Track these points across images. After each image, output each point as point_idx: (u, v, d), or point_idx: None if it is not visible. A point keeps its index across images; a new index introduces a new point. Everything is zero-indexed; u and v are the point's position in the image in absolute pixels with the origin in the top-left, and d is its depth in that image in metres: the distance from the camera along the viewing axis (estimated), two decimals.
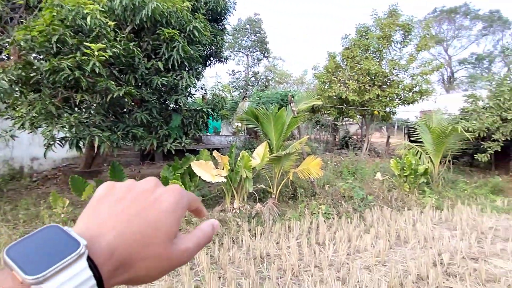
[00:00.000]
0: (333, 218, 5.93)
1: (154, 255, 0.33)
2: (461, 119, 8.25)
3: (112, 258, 0.30)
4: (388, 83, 10.91)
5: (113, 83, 4.17)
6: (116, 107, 5.13)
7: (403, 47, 11.46)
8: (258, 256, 4.36)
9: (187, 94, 5.69)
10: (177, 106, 5.80)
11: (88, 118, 4.31)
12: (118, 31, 4.63)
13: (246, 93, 20.94)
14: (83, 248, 0.28)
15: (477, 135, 7.69)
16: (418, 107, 11.98)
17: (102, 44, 3.86)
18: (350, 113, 11.25)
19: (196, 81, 5.72)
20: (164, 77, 5.02)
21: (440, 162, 8.29)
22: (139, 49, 4.77)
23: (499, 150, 7.65)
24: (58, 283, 0.26)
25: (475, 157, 8.07)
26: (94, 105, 4.79)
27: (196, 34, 5.42)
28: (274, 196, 6.65)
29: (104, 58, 3.92)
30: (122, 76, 4.94)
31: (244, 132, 13.94)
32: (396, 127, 20.68)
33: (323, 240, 4.93)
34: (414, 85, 11.08)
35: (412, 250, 4.72)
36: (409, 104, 11.52)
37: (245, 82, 25.42)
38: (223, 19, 8.69)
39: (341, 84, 10.64)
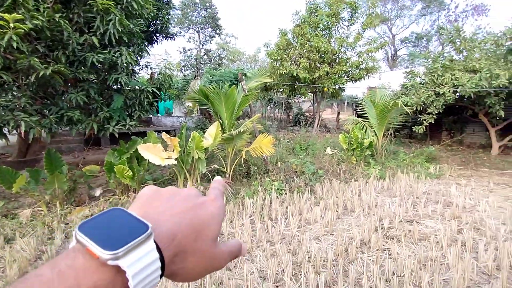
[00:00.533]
0: (286, 194, 6.11)
1: (202, 251, 0.34)
2: (402, 94, 8.83)
3: (172, 244, 0.31)
4: (337, 61, 11.23)
5: (37, 60, 3.70)
6: (46, 88, 4.60)
7: (351, 25, 11.78)
8: None
9: (129, 72, 5.28)
10: (119, 86, 5.38)
11: (11, 101, 3.81)
12: (40, 0, 4.07)
13: (197, 72, 20.23)
14: (151, 229, 0.29)
15: (414, 108, 8.32)
16: (365, 83, 12.58)
17: (19, 14, 3.36)
18: (302, 90, 11.45)
19: (138, 58, 5.31)
20: (100, 54, 4.58)
21: (384, 135, 8.87)
22: (68, 22, 4.25)
23: (433, 122, 8.38)
24: (132, 261, 0.27)
25: (413, 129, 8.76)
26: (19, 86, 4.24)
27: (135, 6, 4.98)
28: (228, 175, 6.64)
29: (24, 31, 3.43)
30: (50, 53, 4.40)
31: (197, 112, 13.58)
32: (346, 103, 21.63)
33: (275, 215, 5.06)
34: (360, 63, 11.54)
35: (357, 218, 5.06)
36: (356, 81, 12.03)
37: (196, 60, 24.52)
38: None
39: (292, 62, 10.72)
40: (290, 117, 18.90)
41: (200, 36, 25.24)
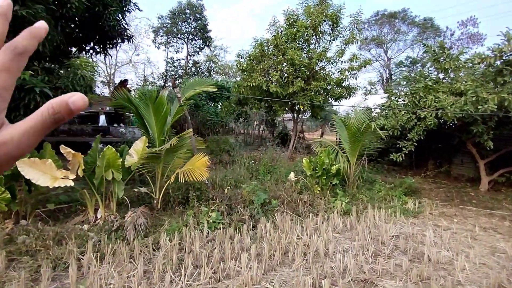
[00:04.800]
0: (222, 229, 4.90)
1: None
2: (381, 116, 7.76)
3: None
4: (314, 77, 10.24)
5: None
6: None
7: (332, 39, 10.89)
8: None
9: None
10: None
11: None
12: None
13: (166, 81, 19.26)
14: None
15: (390, 133, 7.23)
16: (351, 102, 11.57)
17: None
18: (275, 106, 10.40)
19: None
20: None
21: (358, 161, 7.75)
22: None
23: (413, 150, 7.28)
24: None
25: (390, 157, 7.64)
26: None
27: None
28: (156, 201, 5.43)
29: None
30: None
31: None
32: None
33: (189, 262, 3.83)
34: (341, 80, 10.57)
35: (295, 271, 3.84)
36: (337, 99, 11.02)
37: (183, 71, 23.68)
38: None
39: (264, 75, 9.71)
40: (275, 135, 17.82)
41: (188, 47, 24.53)
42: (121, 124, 11.75)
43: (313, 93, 9.86)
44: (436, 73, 8.11)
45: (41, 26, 0.34)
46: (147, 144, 5.17)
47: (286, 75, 10.10)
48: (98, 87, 23.25)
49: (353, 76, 10.78)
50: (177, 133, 5.70)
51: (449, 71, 7.25)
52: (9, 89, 0.32)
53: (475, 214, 6.77)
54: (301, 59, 9.63)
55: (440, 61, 7.27)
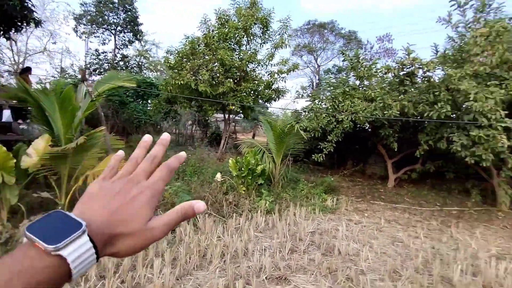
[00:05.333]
0: None
1: (131, 235, 0.43)
2: (303, 118, 8.17)
3: (102, 237, 0.41)
4: (245, 78, 10.35)
5: None
6: None
7: (263, 42, 11.16)
8: None
9: None
10: None
11: None
12: None
13: (85, 74, 17.68)
14: (85, 227, 0.38)
15: (312, 134, 7.68)
16: (280, 104, 11.95)
17: None
18: (205, 106, 10.22)
19: None
20: None
21: (283, 161, 8.02)
22: None
23: (332, 150, 7.83)
24: (71, 250, 0.37)
25: (313, 157, 8.10)
26: None
27: None
28: (61, 207, 4.82)
29: None
30: None
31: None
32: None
33: (93, 273, 3.46)
34: (271, 82, 10.88)
35: (212, 273, 3.75)
36: (266, 101, 11.30)
37: (110, 64, 21.87)
38: None
39: (194, 73, 9.46)
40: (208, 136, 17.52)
41: (116, 39, 22.73)
42: (22, 120, 10.26)
43: (243, 94, 9.94)
44: (354, 80, 8.86)
45: (183, 155, 0.54)
46: (50, 143, 4.57)
47: (216, 74, 9.99)
48: (3, 77, 20.15)
49: (282, 79, 11.19)
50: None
51: (363, 79, 7.99)
52: (161, 193, 0.49)
53: (383, 208, 7.56)
54: (232, 59, 9.63)
55: (356, 69, 7.97)
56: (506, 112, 5.88)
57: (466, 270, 4.23)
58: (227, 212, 6.06)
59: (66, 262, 0.37)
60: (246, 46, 10.87)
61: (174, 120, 13.03)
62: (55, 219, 0.40)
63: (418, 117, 6.73)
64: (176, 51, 9.80)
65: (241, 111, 10.94)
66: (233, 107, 9.86)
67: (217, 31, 10.41)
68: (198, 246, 4.37)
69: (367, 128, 9.14)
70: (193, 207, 0.48)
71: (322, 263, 4.14)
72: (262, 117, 8.19)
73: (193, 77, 9.22)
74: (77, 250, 0.37)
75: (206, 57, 9.99)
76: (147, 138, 0.54)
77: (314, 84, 37.63)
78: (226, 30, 10.15)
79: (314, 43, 37.53)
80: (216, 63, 10.00)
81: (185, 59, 9.97)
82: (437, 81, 6.79)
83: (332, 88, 8.39)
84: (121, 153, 0.55)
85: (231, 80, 9.65)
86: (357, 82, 8.78)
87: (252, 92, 10.18)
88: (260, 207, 6.39)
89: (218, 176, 7.15)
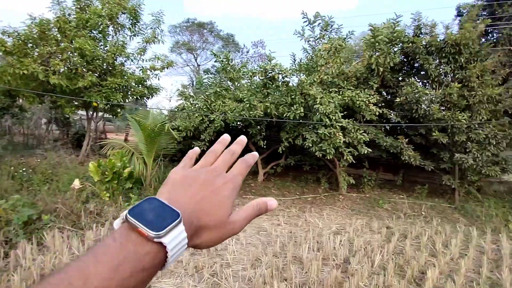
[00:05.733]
0: None
1: (216, 227, 0.44)
2: (176, 118, 7.99)
3: (191, 227, 0.40)
4: (112, 72, 9.36)
5: None
6: None
7: (134, 35, 10.35)
8: None
9: None
10: None
11: None
12: None
13: None
14: (181, 216, 0.39)
15: (185, 134, 7.63)
16: (154, 102, 11.28)
17: None
18: (60, 102, 8.74)
19: None
20: None
21: (155, 162, 7.64)
22: None
23: (205, 150, 7.94)
24: (170, 239, 0.37)
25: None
26: None
27: None
28: None
29: None
30: None
31: None
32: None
33: None
34: (143, 79, 10.20)
35: None
36: (138, 98, 10.55)
37: None
38: None
39: (42, 62, 7.93)
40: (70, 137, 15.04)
41: None
42: None
43: (110, 89, 8.97)
44: (226, 81, 9.22)
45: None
46: None
47: (75, 66, 8.66)
48: None
49: (155, 76, 10.67)
50: None
51: (234, 80, 8.42)
52: (240, 187, 0.51)
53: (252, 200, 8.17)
54: (94, 50, 8.53)
55: (227, 71, 8.32)
56: (342, 114, 7.25)
57: (313, 247, 5.00)
58: (86, 223, 5.35)
59: (164, 250, 0.37)
60: (112, 37, 9.84)
61: (16, 117, 10.64)
62: (153, 206, 0.40)
63: (279, 117, 7.56)
64: (17, 33, 7.97)
65: (108, 109, 9.85)
66: (97, 104, 8.77)
67: (75, 16, 9.04)
68: (42, 269, 3.68)
69: (240, 127, 9.67)
70: (267, 203, 0.50)
71: (189, 263, 4.12)
72: (130, 115, 7.58)
73: (42, 67, 7.71)
74: (175, 239, 0.38)
75: (61, 44, 8.54)
76: (227, 136, 0.58)
77: (194, 83, 37.60)
78: (86, 16, 8.92)
79: (194, 42, 37.42)
80: (76, 53, 8.68)
81: (30, 44, 8.25)
82: (294, 86, 7.78)
83: (204, 88, 8.50)
84: (197, 149, 0.57)
85: (93, 74, 8.53)
86: (230, 83, 9.18)
87: (120, 88, 9.29)
88: None
89: (76, 182, 6.22)
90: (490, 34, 14.63)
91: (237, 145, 0.56)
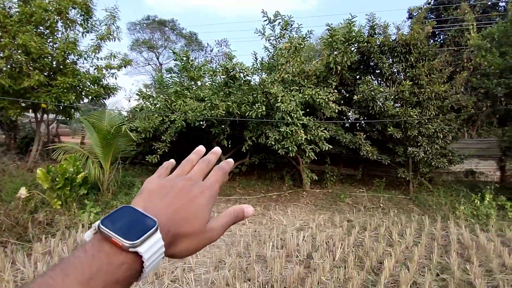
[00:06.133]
0: None
1: (193, 235, 0.42)
2: (135, 118, 7.65)
3: (167, 235, 0.39)
4: (62, 71, 8.74)
5: None
6: None
7: (86, 31, 9.74)
8: None
9: None
10: None
11: None
12: None
13: None
14: (157, 224, 0.37)
15: (143, 135, 7.33)
16: (111, 103, 10.70)
17: None
18: (3, 103, 8.00)
19: None
20: None
21: (114, 165, 7.26)
22: None
23: (167, 151, 7.69)
24: (147, 247, 0.35)
25: (146, 158, 7.72)
26: None
27: None
28: None
29: None
30: None
31: None
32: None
33: None
34: (97, 78, 9.65)
35: None
36: (93, 99, 9.97)
37: None
38: None
39: None
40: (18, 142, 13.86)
41: None
42: None
43: (60, 90, 8.36)
44: (188, 80, 8.99)
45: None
46: None
47: (20, 65, 7.97)
48: None
49: (112, 75, 10.14)
50: None
51: (195, 79, 8.23)
52: (217, 195, 0.49)
53: (217, 202, 8.06)
54: (41, 47, 7.89)
55: (187, 70, 8.11)
56: (303, 112, 7.38)
57: (277, 244, 5.03)
58: (34, 235, 4.94)
59: (140, 260, 0.35)
60: (62, 33, 9.19)
61: None
62: (127, 214, 0.39)
63: (242, 117, 7.52)
64: None
65: (59, 111, 9.20)
66: (46, 105, 8.15)
67: (18, 10, 8.31)
68: None
69: (203, 127, 9.49)
70: (244, 210, 0.50)
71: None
72: (82, 117, 7.14)
73: None
74: (152, 248, 0.36)
75: (1, 40, 7.81)
76: (202, 148, 0.57)
77: (156, 82, 36.41)
78: (30, 10, 8.23)
79: (155, 40, 36.22)
80: (19, 50, 7.97)
81: None
82: (256, 84, 7.78)
83: (164, 88, 8.21)
84: (173, 161, 0.56)
85: (42, 73, 7.92)
86: (192, 83, 8.97)
87: (73, 88, 8.71)
88: (82, 221, 5.54)
89: (22, 191, 5.73)
90: (437, 36, 15.78)
91: (212, 155, 0.55)
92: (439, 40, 15.00)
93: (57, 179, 5.80)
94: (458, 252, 4.87)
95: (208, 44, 38.23)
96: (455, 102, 7.75)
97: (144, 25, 36.42)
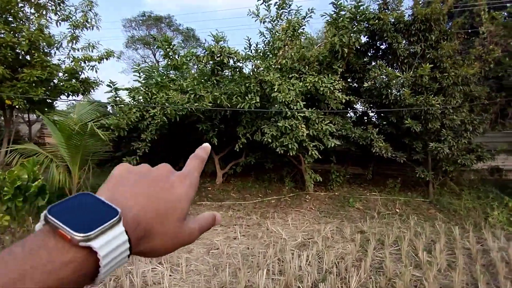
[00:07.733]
0: None
1: (168, 232, 0.36)
2: (109, 115, 6.60)
3: (137, 229, 0.32)
4: (30, 63, 7.71)
5: None
6: None
7: (60, 19, 8.72)
8: None
9: None
10: None
11: None
12: None
13: None
14: (120, 214, 0.30)
15: (116, 133, 6.26)
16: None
17: None
18: None
19: None
20: None
21: (83, 169, 6.23)
22: None
23: (147, 151, 6.64)
24: (103, 242, 0.28)
25: (124, 160, 6.66)
26: None
27: None
28: None
29: None
30: None
31: None
32: None
33: None
34: (75, 71, 8.63)
35: None
36: (72, 94, 8.94)
37: None
38: None
39: None
40: None
41: None
42: None
43: (27, 83, 7.33)
44: (171, 70, 7.91)
45: (207, 146, 0.48)
46: None
47: None
48: None
49: (92, 68, 9.12)
50: None
51: (179, 67, 7.15)
52: (197, 185, 0.42)
53: (209, 208, 7.00)
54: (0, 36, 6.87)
55: (169, 57, 7.04)
56: (304, 103, 6.29)
57: (273, 269, 3.96)
58: None
59: (95, 258, 0.28)
60: (29, 21, 8.16)
61: None
62: (83, 203, 0.32)
63: (231, 109, 6.45)
64: None
65: (29, 108, 8.18)
66: (11, 101, 7.13)
67: None
68: None
69: (186, 122, 8.40)
70: (215, 217, 0.44)
71: None
72: (45, 115, 6.12)
73: None
74: (110, 243, 0.29)
75: None
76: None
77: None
78: None
79: (152, 37, 35.18)
80: None
81: None
82: (248, 73, 6.70)
83: (144, 79, 7.13)
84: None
85: (2, 65, 6.89)
86: (177, 73, 7.90)
87: (43, 82, 7.67)
88: None
89: None
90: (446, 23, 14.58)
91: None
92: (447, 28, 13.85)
93: (5, 188, 4.76)
94: (507, 276, 3.78)
95: (206, 41, 37.08)
96: (468, 93, 6.64)
97: (140, 21, 35.33)
